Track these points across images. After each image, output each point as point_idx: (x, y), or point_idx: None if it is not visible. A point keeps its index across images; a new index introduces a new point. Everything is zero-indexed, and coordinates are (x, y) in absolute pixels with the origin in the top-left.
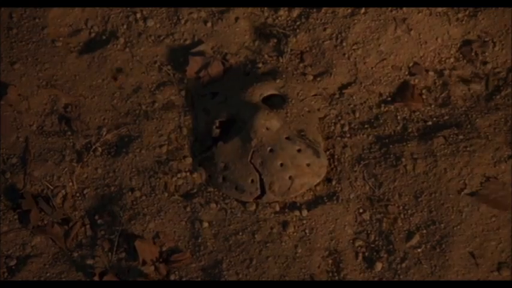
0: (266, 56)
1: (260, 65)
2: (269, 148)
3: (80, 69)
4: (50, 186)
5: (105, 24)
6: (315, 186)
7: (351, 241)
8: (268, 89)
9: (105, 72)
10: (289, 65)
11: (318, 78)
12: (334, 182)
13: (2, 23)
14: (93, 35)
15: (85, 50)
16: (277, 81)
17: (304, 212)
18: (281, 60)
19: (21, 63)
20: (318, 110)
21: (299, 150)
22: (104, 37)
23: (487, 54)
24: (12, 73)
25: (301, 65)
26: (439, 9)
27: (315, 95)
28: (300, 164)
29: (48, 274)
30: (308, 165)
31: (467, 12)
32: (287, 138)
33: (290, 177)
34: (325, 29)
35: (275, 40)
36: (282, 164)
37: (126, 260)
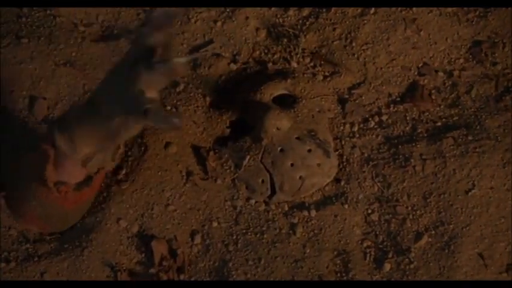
0: (276, 55)
1: (270, 64)
2: (279, 148)
3: (97, 55)
4: None
5: (115, 22)
6: (324, 186)
7: (360, 242)
8: (279, 89)
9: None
10: (299, 65)
11: (328, 78)
12: (342, 183)
13: (11, 12)
14: (104, 29)
15: (100, 39)
16: (288, 81)
17: (313, 212)
18: (291, 60)
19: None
20: (328, 110)
21: (309, 151)
22: (115, 32)
23: (496, 55)
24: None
25: (311, 64)
26: (449, 9)
27: (325, 95)
28: (310, 164)
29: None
30: (318, 165)
31: (477, 13)
32: (297, 138)
33: (300, 177)
34: (334, 29)
35: (285, 40)
36: (292, 164)
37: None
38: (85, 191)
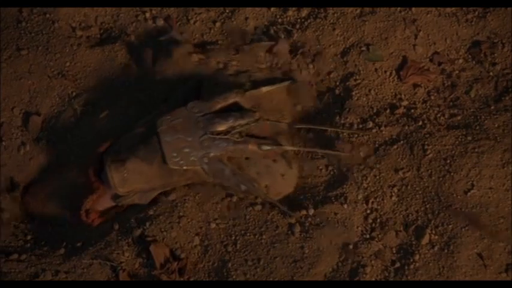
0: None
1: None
2: (245, 156)
3: (90, 63)
4: None
5: (113, 23)
6: (324, 186)
7: (359, 241)
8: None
9: (115, 67)
10: (300, 66)
11: (326, 78)
12: (341, 183)
13: (11, 16)
14: (102, 31)
15: (96, 44)
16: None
17: (311, 212)
18: (291, 61)
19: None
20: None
21: (274, 161)
22: (113, 34)
23: (496, 55)
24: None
25: (311, 65)
26: (448, 10)
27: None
28: (274, 173)
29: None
30: (282, 175)
31: (476, 13)
32: (263, 147)
33: (266, 186)
34: (334, 29)
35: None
36: (258, 173)
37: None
38: (102, 219)
